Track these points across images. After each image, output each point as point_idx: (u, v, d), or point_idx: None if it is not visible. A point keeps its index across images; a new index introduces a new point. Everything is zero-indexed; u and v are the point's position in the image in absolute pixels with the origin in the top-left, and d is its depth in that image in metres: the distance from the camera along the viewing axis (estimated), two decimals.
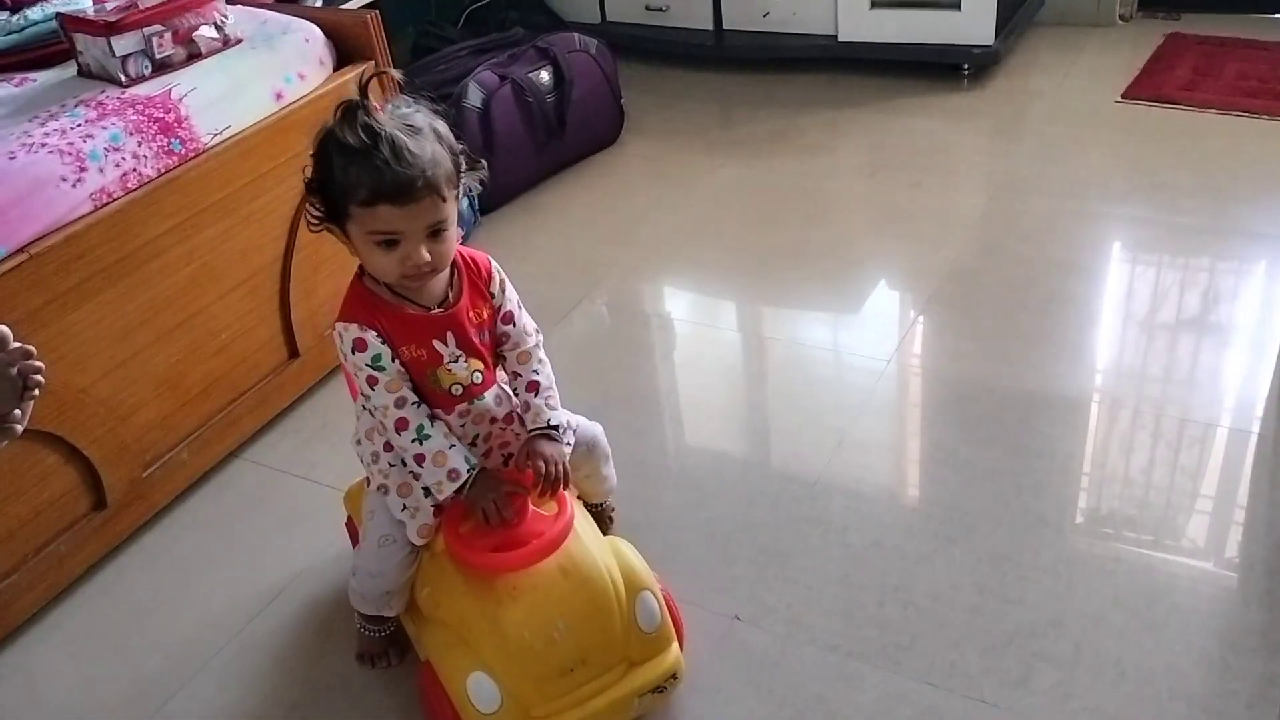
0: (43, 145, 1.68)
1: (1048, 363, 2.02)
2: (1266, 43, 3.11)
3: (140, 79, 1.87)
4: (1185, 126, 2.78)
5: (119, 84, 1.85)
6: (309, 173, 1.28)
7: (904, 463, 1.91)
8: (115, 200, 1.72)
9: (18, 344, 1.02)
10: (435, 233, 1.25)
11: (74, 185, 1.67)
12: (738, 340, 2.30)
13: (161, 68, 1.90)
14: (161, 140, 1.80)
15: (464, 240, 1.70)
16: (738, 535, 1.74)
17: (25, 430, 1.04)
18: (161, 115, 1.81)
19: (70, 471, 1.74)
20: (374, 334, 1.30)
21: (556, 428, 1.39)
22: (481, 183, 1.34)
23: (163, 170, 1.80)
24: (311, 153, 1.27)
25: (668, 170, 2.92)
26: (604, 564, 1.35)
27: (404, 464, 1.37)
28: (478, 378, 1.36)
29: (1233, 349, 2.03)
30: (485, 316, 1.38)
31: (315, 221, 1.30)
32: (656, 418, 2.06)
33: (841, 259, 2.45)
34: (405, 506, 1.39)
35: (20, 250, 1.61)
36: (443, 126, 1.28)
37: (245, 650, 1.63)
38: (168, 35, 1.90)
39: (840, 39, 3.24)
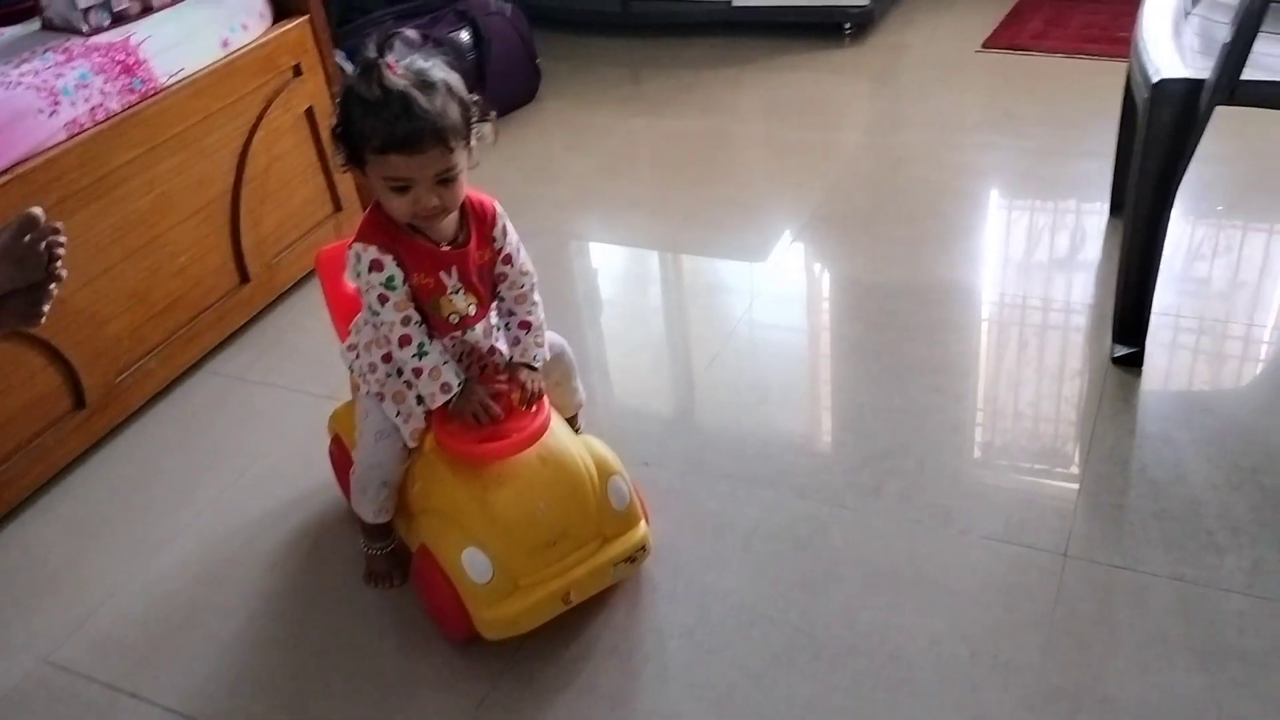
0: (19, 83, 1.90)
1: (910, 260, 2.36)
2: None
3: (100, 29, 2.09)
4: (1035, 69, 3.16)
5: (81, 34, 2.08)
6: (334, 120, 1.39)
7: (788, 340, 2.22)
8: (85, 130, 1.96)
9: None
10: (444, 180, 1.37)
11: (49, 116, 1.90)
12: (649, 256, 2.60)
13: (119, 19, 2.12)
14: (124, 79, 2.03)
15: None
16: (648, 402, 2.04)
17: (14, 334, 1.22)
18: (123, 58, 2.04)
19: (53, 373, 1.97)
20: (390, 258, 1.41)
21: (537, 365, 1.55)
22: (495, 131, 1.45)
23: (126, 106, 2.03)
24: (336, 103, 1.40)
25: (583, 123, 3.21)
26: (578, 453, 1.52)
27: (399, 375, 1.51)
28: (472, 310, 1.49)
29: (1065, 241, 2.38)
30: (487, 259, 1.50)
31: (342, 164, 1.42)
32: (580, 319, 2.35)
33: (739, 188, 2.77)
34: (399, 412, 1.53)
35: (5, 172, 1.84)
36: (455, 80, 1.38)
37: (215, 514, 1.88)
38: None
39: (734, 4, 3.56)
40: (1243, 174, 2.52)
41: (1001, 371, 2.02)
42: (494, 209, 1.52)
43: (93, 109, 1.97)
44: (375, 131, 1.33)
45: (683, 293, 2.44)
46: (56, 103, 1.91)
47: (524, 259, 1.56)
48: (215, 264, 2.28)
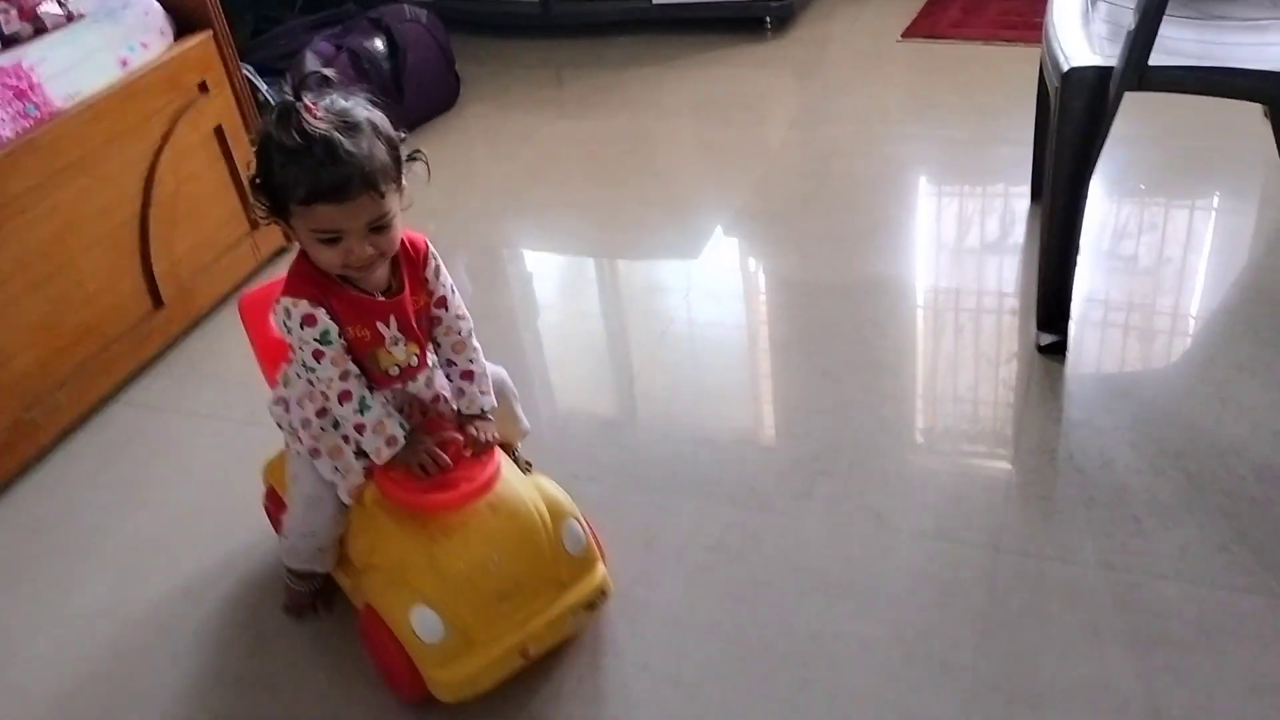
0: None
1: (837, 255, 2.35)
2: None
3: None
4: (954, 57, 3.18)
5: None
6: (252, 169, 1.30)
7: (719, 342, 2.20)
8: None
9: None
10: (377, 228, 1.28)
11: None
12: (574, 260, 2.58)
13: (10, 43, 2.05)
14: (17, 105, 1.95)
15: None
16: (576, 412, 2.01)
17: None
18: (15, 83, 1.96)
19: None
20: (324, 311, 1.33)
21: (488, 414, 1.48)
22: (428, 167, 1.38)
23: (20, 132, 1.95)
24: (253, 151, 1.30)
25: (505, 127, 3.17)
26: (529, 498, 1.44)
27: (336, 428, 1.43)
28: (414, 360, 1.41)
29: (991, 232, 2.39)
30: (423, 303, 1.43)
31: (263, 216, 1.33)
32: (509, 328, 2.31)
33: (664, 186, 2.75)
34: (337, 468, 1.44)
35: None
36: (380, 118, 1.29)
37: (135, 551, 1.81)
38: (14, 12, 2.05)
39: (655, 2, 3.54)
40: (1159, 156, 2.55)
41: (930, 366, 2.02)
42: (425, 248, 1.43)
43: None
44: (299, 181, 1.24)
45: (611, 296, 2.42)
46: None
47: (458, 302, 1.48)
48: (126, 290, 2.20)
